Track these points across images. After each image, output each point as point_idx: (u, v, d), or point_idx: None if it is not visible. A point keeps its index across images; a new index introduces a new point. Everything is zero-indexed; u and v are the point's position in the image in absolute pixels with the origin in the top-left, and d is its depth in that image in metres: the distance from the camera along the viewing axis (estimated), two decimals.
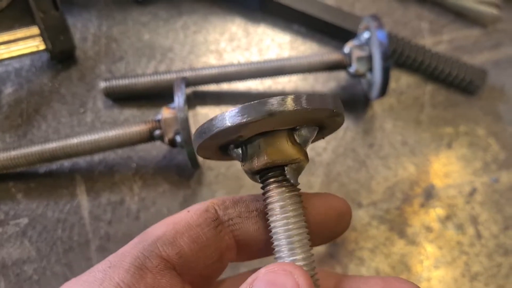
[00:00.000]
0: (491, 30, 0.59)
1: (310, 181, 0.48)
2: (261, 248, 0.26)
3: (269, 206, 0.24)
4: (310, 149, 0.50)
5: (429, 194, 0.49)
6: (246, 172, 0.25)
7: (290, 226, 0.23)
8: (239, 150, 0.25)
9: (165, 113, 0.45)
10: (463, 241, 0.47)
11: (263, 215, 0.25)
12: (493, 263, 0.46)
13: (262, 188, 0.25)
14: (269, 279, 0.20)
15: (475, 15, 0.59)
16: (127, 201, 0.47)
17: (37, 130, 0.49)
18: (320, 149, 0.50)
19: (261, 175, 0.25)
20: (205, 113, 0.52)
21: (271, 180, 0.24)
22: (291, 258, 0.23)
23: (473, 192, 0.49)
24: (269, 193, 0.24)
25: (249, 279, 0.20)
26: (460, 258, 0.46)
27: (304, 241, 0.23)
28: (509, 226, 0.48)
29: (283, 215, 0.24)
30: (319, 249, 0.45)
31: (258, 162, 0.24)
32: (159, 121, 0.45)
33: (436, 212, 0.48)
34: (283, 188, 0.24)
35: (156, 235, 0.23)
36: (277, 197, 0.24)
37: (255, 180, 0.26)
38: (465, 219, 0.48)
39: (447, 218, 0.48)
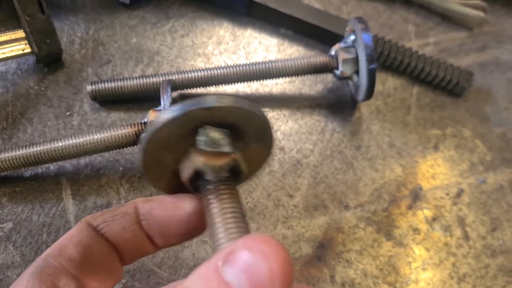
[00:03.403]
0: (477, 33, 0.59)
1: (296, 182, 0.48)
2: (136, 246, 0.29)
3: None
4: (296, 151, 0.50)
5: (416, 196, 0.49)
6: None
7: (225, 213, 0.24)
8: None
9: (152, 116, 0.45)
10: (450, 242, 0.47)
11: (127, 216, 0.29)
12: (481, 264, 0.46)
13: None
14: (245, 260, 0.18)
15: (461, 17, 0.59)
16: (113, 204, 0.46)
17: (23, 134, 0.49)
18: (307, 151, 0.50)
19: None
20: None
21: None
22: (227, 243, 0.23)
23: (460, 193, 0.49)
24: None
25: (227, 249, 0.19)
26: (448, 259, 0.46)
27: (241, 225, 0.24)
28: (496, 227, 0.48)
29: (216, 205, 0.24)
30: (306, 252, 0.45)
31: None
32: (145, 124, 0.45)
33: (424, 213, 0.48)
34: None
35: (44, 254, 0.27)
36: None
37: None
38: (452, 220, 0.48)
39: (435, 219, 0.48)
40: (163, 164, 0.27)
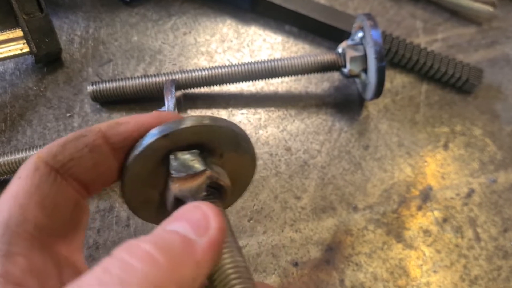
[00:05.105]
0: (486, 28, 0.58)
1: (304, 184, 0.47)
2: (110, 177, 0.26)
3: None
4: (303, 152, 0.49)
5: (426, 196, 0.48)
6: None
7: None
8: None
9: None
10: (461, 244, 0.46)
11: (97, 147, 0.24)
12: (493, 266, 0.45)
13: None
14: (183, 214, 0.22)
15: (470, 13, 0.58)
16: (116, 208, 0.45)
17: (22, 136, 0.48)
18: (314, 152, 0.49)
19: None
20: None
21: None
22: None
23: (471, 193, 0.48)
24: None
25: (175, 214, 0.22)
26: (459, 261, 0.45)
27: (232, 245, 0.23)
28: (508, 228, 0.47)
29: None
30: (314, 255, 0.44)
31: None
32: None
33: (434, 215, 0.47)
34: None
35: (4, 220, 0.22)
36: None
37: None
38: (463, 221, 0.47)
39: (445, 220, 0.47)
40: (152, 201, 0.27)
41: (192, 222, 0.21)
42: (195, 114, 0.51)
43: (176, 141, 0.24)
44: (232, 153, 0.26)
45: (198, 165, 0.25)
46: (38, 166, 0.23)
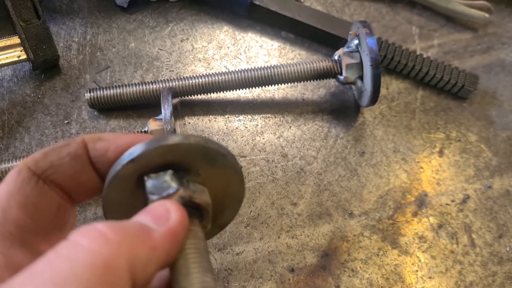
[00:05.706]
0: (481, 34, 0.58)
1: (300, 190, 0.47)
2: (92, 188, 0.26)
3: None
4: (300, 158, 0.49)
5: (422, 203, 0.48)
6: None
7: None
8: None
9: (152, 125, 0.44)
10: (457, 250, 0.46)
11: (78, 158, 0.25)
12: (488, 272, 0.45)
13: None
14: (149, 210, 0.23)
15: (465, 18, 0.58)
16: None
17: (20, 143, 0.48)
18: (310, 158, 0.49)
19: None
20: (194, 123, 0.51)
21: None
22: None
23: (466, 199, 0.49)
24: None
25: (141, 210, 0.23)
26: (454, 267, 0.45)
27: (203, 264, 0.23)
28: (503, 234, 0.47)
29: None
30: (310, 261, 0.44)
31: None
32: (145, 133, 0.44)
33: (429, 221, 0.47)
34: None
35: None
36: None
37: None
38: (458, 227, 0.47)
39: (440, 226, 0.47)
40: None
41: (154, 215, 0.22)
42: (192, 121, 0.51)
43: (146, 164, 0.24)
44: (209, 168, 0.26)
45: (171, 185, 0.24)
46: (20, 170, 0.24)
